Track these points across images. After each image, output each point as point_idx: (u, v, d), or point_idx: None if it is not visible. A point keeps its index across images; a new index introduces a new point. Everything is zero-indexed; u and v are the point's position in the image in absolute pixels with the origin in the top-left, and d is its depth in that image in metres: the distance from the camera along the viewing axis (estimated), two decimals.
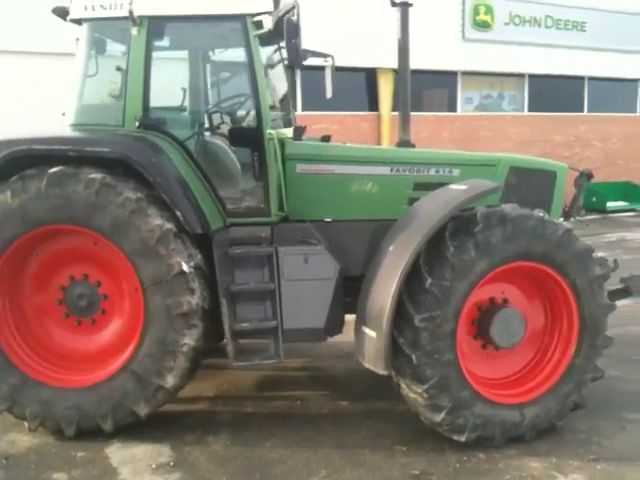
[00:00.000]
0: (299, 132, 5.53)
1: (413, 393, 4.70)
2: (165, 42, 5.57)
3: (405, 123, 5.97)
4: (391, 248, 4.75)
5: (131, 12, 5.05)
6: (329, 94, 7.00)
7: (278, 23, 4.89)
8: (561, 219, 5.77)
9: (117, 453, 4.88)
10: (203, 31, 5.56)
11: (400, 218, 4.97)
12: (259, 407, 5.71)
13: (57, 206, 4.84)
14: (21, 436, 5.15)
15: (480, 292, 4.90)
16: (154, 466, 4.67)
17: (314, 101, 16.68)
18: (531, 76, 19.14)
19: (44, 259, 5.25)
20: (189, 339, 4.93)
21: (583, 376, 5.00)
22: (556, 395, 4.95)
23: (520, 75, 19.12)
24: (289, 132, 5.20)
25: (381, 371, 4.66)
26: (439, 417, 4.67)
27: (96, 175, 4.82)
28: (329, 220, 5.59)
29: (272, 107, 5.85)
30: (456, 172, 5.58)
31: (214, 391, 6.03)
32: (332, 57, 6.97)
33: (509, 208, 4.74)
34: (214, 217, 5.28)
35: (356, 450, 4.87)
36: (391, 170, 5.57)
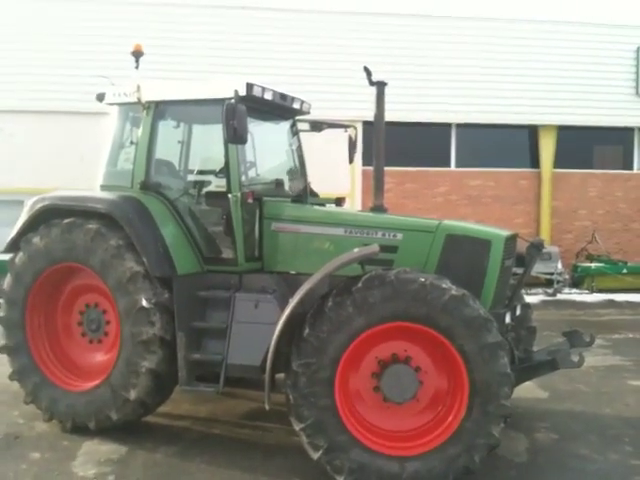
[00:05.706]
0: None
1: (297, 430, 5.26)
2: (167, 121, 6.87)
3: (378, 189, 6.45)
4: (290, 300, 5.44)
5: (139, 99, 6.46)
6: (350, 161, 7.81)
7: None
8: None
9: (90, 447, 6.12)
10: (194, 112, 6.78)
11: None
12: (228, 432, 6.60)
13: (67, 248, 6.33)
14: (41, 425, 6.62)
15: (382, 348, 5.34)
16: (102, 460, 5.82)
17: (468, 158, 17.01)
18: None
19: (70, 289, 6.80)
20: (148, 363, 6.04)
21: (474, 441, 5.08)
22: (442, 455, 5.11)
23: None
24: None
25: (266, 406, 5.34)
26: (316, 455, 5.18)
27: (93, 226, 6.23)
28: (293, 273, 6.37)
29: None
30: (400, 236, 5.97)
31: (208, 414, 7.05)
32: (354, 127, 7.74)
33: (393, 272, 5.14)
34: (192, 263, 6.39)
35: None
36: (345, 231, 6.18)
